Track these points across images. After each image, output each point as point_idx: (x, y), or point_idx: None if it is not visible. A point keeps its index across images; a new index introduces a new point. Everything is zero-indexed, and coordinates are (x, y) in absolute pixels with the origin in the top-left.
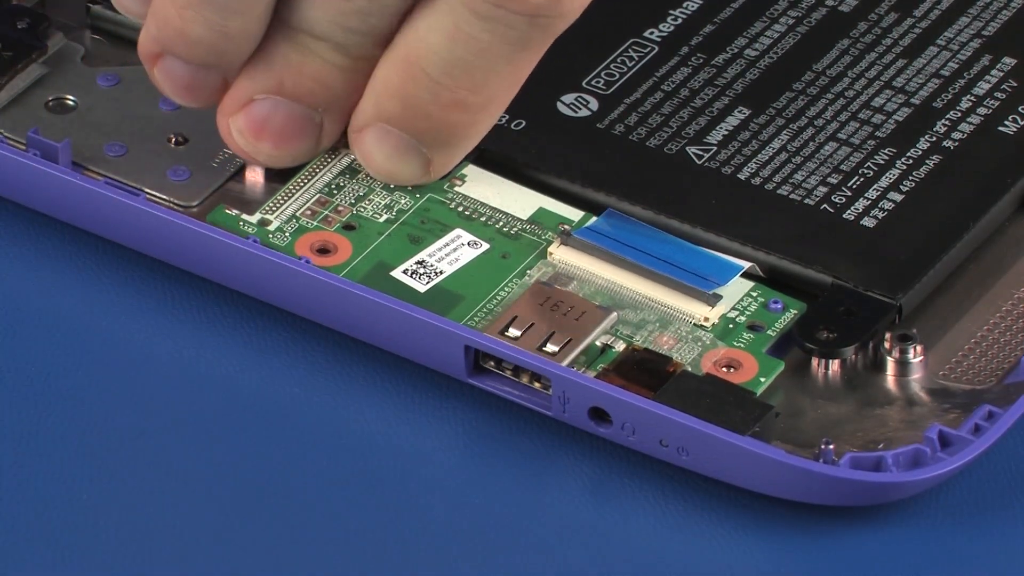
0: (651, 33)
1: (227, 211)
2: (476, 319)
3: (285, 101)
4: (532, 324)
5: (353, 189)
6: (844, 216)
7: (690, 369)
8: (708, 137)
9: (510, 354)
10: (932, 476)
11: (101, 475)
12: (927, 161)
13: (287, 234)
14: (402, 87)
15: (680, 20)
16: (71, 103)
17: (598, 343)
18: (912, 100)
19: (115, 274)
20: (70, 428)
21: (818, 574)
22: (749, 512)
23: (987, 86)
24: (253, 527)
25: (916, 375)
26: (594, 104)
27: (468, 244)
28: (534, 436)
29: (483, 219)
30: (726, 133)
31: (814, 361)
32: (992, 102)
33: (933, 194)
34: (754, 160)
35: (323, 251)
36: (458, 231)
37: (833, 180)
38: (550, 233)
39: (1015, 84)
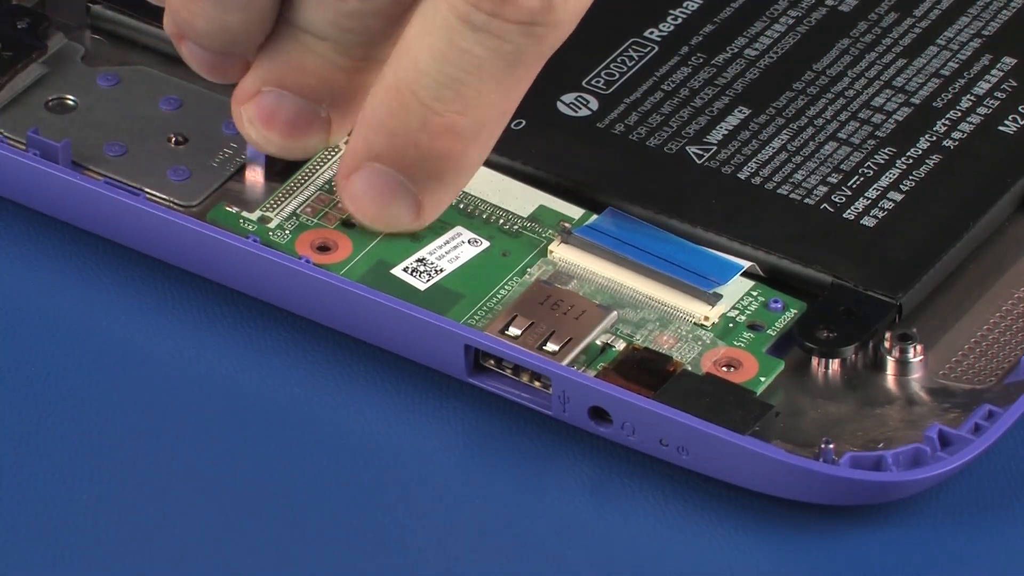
0: (651, 33)
1: (227, 208)
2: (476, 318)
3: (290, 95)
4: (532, 323)
5: None
6: (844, 216)
7: (690, 368)
8: (708, 137)
9: (510, 353)
10: (932, 475)
11: (101, 475)
12: (927, 161)
13: (287, 231)
14: (390, 117)
15: (680, 20)
16: (71, 103)
17: (598, 342)
18: (912, 100)
19: (115, 274)
20: (70, 428)
21: (818, 574)
22: (749, 512)
23: (987, 86)
24: (253, 527)
25: (916, 374)
26: (594, 104)
27: (468, 242)
28: (534, 436)
29: (484, 216)
30: (726, 133)
31: (814, 361)
32: (992, 102)
33: (933, 194)
34: (754, 160)
35: (323, 248)
36: (458, 228)
37: (833, 180)
38: (550, 231)
39: (1015, 84)
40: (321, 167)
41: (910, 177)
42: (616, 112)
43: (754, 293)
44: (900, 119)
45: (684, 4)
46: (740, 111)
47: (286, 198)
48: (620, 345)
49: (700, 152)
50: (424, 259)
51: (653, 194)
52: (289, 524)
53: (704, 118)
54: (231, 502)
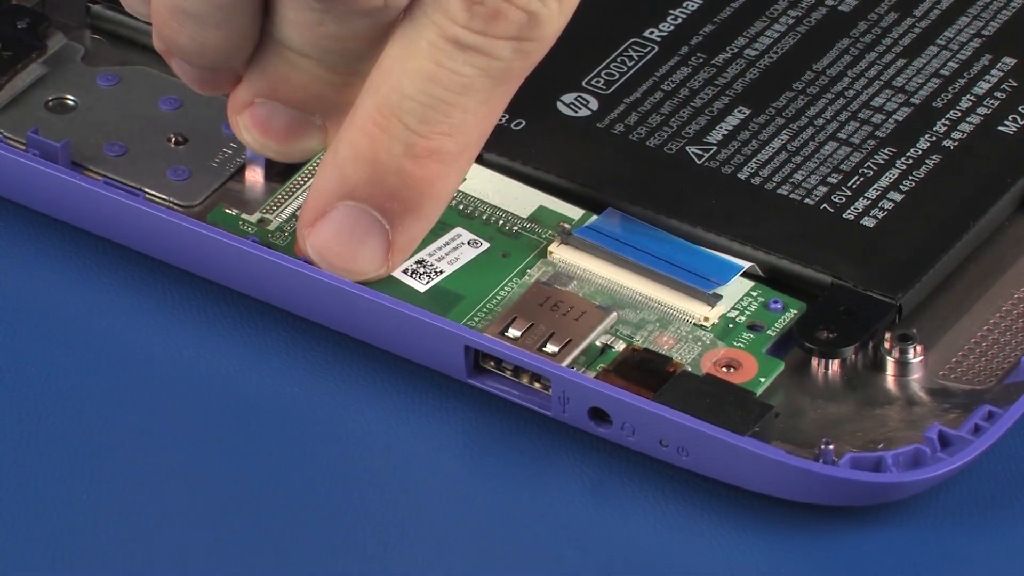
0: (651, 33)
1: (227, 211)
2: (476, 319)
3: (282, 106)
4: (532, 324)
5: None
6: (844, 216)
7: (690, 369)
8: (708, 137)
9: (510, 354)
10: (932, 476)
11: (101, 475)
12: (927, 161)
13: (286, 233)
14: (372, 144)
15: (680, 20)
16: (71, 103)
17: (598, 343)
18: (912, 100)
19: (115, 274)
20: (70, 428)
21: (818, 574)
22: (749, 512)
23: (987, 86)
24: (253, 527)
25: (916, 375)
26: (594, 104)
27: (468, 243)
28: (534, 436)
29: (483, 217)
30: (726, 133)
31: (814, 361)
32: (992, 102)
33: (933, 194)
34: (754, 160)
35: None
36: (458, 230)
37: (833, 180)
38: (550, 232)
39: (1015, 84)
40: None
41: (910, 177)
42: (616, 112)
43: (754, 293)
44: (900, 119)
45: (684, 4)
46: (740, 111)
47: (286, 200)
48: (620, 346)
49: (700, 152)
50: (424, 260)
51: (653, 194)
52: (289, 524)
53: (704, 118)
54: (231, 502)
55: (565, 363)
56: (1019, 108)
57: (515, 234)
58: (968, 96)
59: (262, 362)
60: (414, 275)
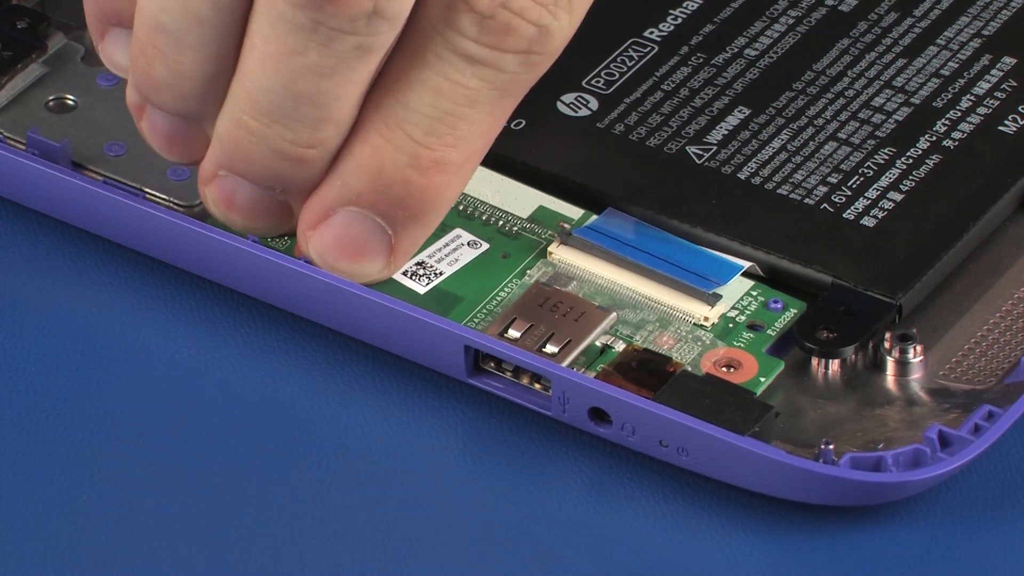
0: (651, 33)
1: None
2: (476, 320)
3: (244, 181)
4: (531, 325)
5: None
6: (844, 216)
7: (690, 369)
8: (708, 137)
9: (510, 354)
10: (932, 476)
11: (101, 475)
12: (927, 161)
13: (285, 237)
14: (377, 156)
15: (680, 20)
16: (71, 103)
17: (598, 343)
18: (912, 100)
19: (115, 274)
20: (70, 428)
21: (818, 574)
22: (749, 512)
23: (987, 86)
24: (253, 527)
25: (916, 375)
26: (594, 104)
27: (468, 244)
28: (534, 436)
29: (483, 218)
30: (726, 133)
31: (814, 361)
32: (992, 102)
33: (933, 194)
34: (754, 160)
35: None
36: (458, 231)
37: (833, 180)
38: (550, 232)
39: (1015, 84)
40: None
41: (910, 177)
42: (616, 112)
43: (754, 293)
44: (900, 119)
45: (684, 4)
46: (740, 111)
47: None
48: (620, 346)
49: (700, 152)
50: (424, 262)
51: (653, 194)
52: (289, 524)
53: (704, 118)
54: (231, 502)
55: (565, 363)
56: (1019, 108)
57: (515, 234)
58: (968, 96)
59: (262, 362)
60: (414, 277)
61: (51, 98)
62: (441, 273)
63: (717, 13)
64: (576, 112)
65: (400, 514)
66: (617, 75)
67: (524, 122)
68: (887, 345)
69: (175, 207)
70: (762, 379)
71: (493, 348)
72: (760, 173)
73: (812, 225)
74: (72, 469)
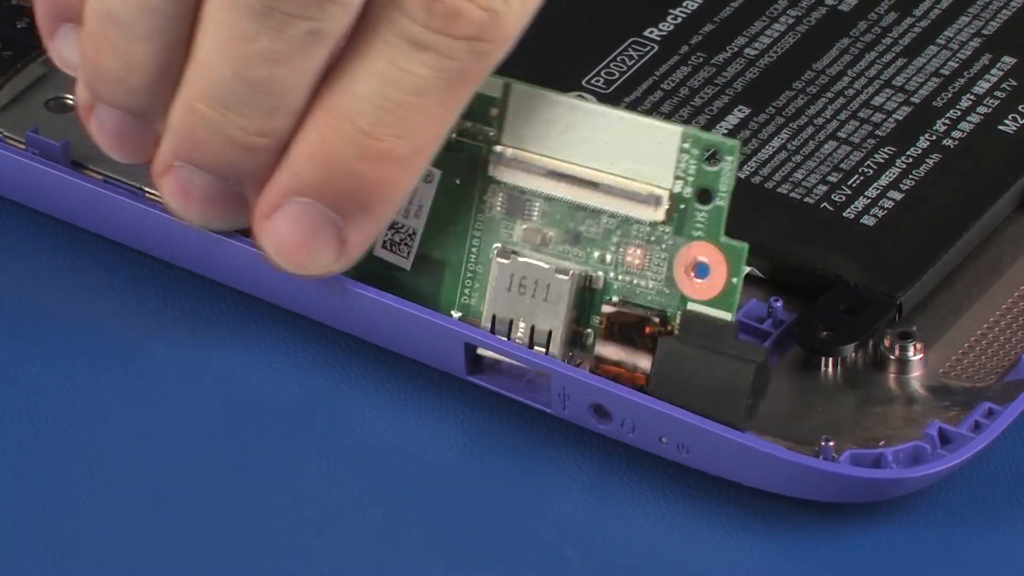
0: (651, 32)
1: None
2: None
3: (199, 172)
4: (511, 320)
5: None
6: (844, 215)
7: (669, 327)
8: None
9: (510, 351)
10: (932, 473)
11: (101, 475)
12: (927, 160)
13: None
14: (325, 146)
15: (680, 19)
16: (71, 103)
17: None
18: (912, 99)
19: (115, 274)
20: (70, 428)
21: (818, 572)
22: (749, 510)
23: (987, 85)
24: (253, 527)
25: (916, 373)
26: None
27: (424, 180)
28: (534, 434)
29: None
30: (726, 132)
31: (814, 360)
32: (992, 101)
33: (933, 193)
34: (754, 159)
35: None
36: None
37: (833, 179)
38: (487, 129)
39: (1015, 83)
40: None
41: (910, 176)
42: None
43: (686, 146)
44: (900, 118)
45: (684, 4)
46: (740, 111)
47: None
48: (600, 284)
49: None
50: (396, 223)
51: None
52: (288, 524)
53: (704, 118)
54: (231, 502)
55: (557, 353)
56: (1019, 108)
57: (455, 146)
58: (968, 96)
59: (262, 362)
60: (394, 248)
61: (51, 98)
62: (414, 233)
63: (717, 13)
64: None
65: (400, 514)
66: (617, 75)
67: None
68: (887, 343)
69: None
70: (734, 280)
71: (492, 344)
72: (760, 172)
73: (812, 224)
74: (72, 469)
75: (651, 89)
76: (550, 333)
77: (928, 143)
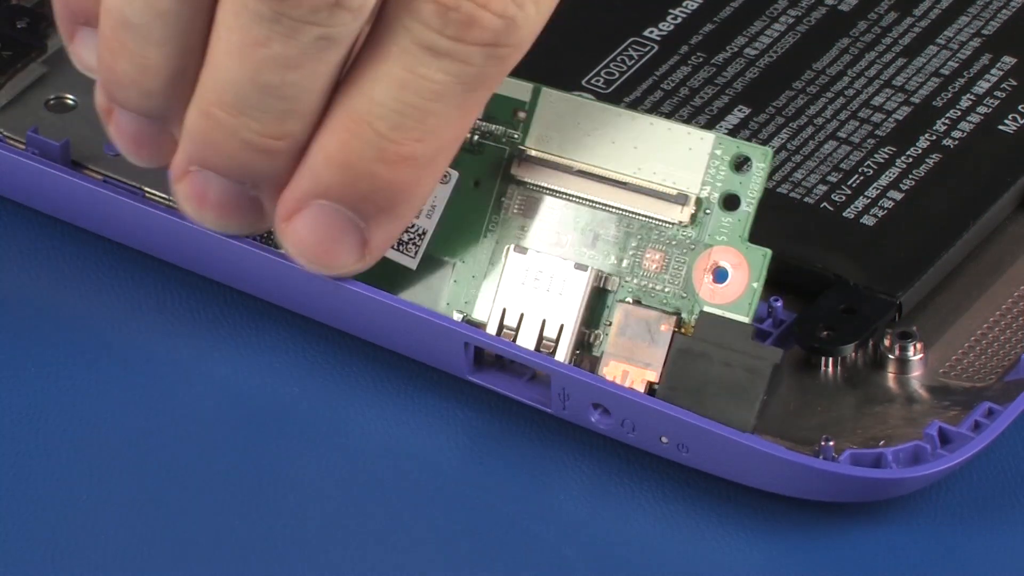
0: (651, 32)
1: None
2: (468, 297)
3: (215, 177)
4: (523, 315)
5: None
6: (844, 214)
7: (680, 329)
8: None
9: (511, 351)
10: (932, 472)
11: (101, 475)
12: (927, 160)
13: None
14: (344, 150)
15: (680, 19)
16: (71, 103)
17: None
18: (912, 99)
19: (115, 274)
20: (70, 428)
21: (818, 571)
22: (749, 510)
23: (987, 85)
24: (253, 527)
25: (916, 372)
26: None
27: (440, 181)
28: (534, 435)
29: None
30: (726, 132)
31: (814, 359)
32: (992, 101)
33: (933, 192)
34: None
35: None
36: None
37: (833, 178)
38: (509, 131)
39: (1015, 83)
40: None
41: (910, 176)
42: None
43: (718, 152)
44: (900, 118)
45: (684, 4)
46: (740, 111)
47: None
48: (613, 285)
49: None
50: None
51: None
52: (288, 524)
53: (704, 118)
54: (231, 502)
55: (565, 349)
56: (1019, 107)
57: (477, 148)
58: (968, 95)
59: (262, 362)
60: (401, 248)
61: (51, 98)
62: (424, 232)
63: (717, 13)
64: None
65: (400, 514)
66: (617, 74)
67: None
68: (887, 343)
69: (175, 206)
70: (755, 284)
71: (493, 344)
72: None
73: (812, 224)
74: (72, 469)
75: (651, 89)
76: (561, 328)
77: (928, 143)
